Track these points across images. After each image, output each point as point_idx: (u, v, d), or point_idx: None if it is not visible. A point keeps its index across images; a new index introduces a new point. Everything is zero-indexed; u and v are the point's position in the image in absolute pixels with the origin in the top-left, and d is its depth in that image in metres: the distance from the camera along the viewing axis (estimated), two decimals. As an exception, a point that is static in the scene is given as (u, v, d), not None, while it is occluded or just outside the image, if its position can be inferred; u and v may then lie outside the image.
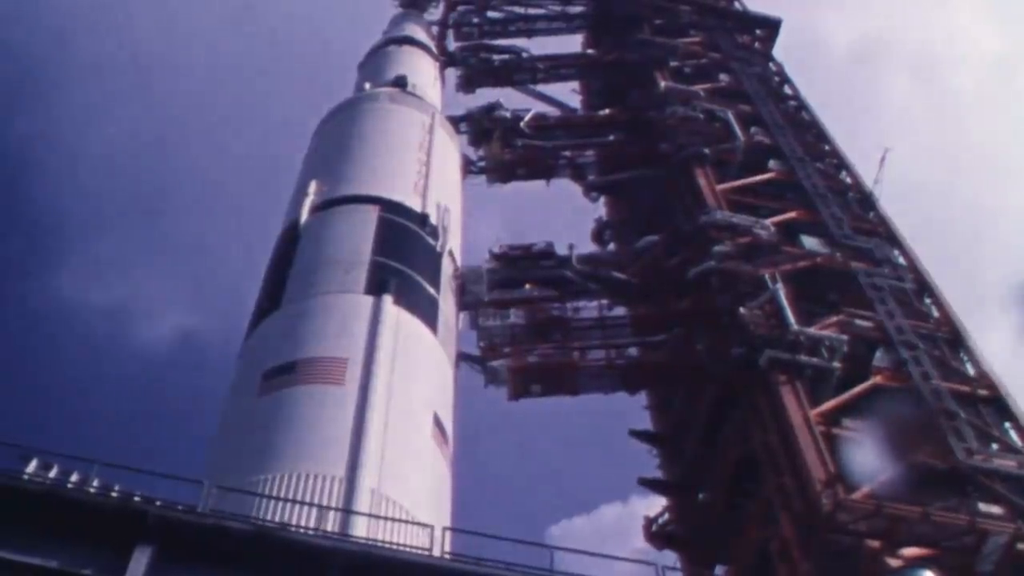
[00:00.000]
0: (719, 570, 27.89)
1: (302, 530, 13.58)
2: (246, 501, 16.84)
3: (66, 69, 71.59)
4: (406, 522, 15.20)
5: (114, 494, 12.34)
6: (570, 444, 51.04)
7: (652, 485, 30.49)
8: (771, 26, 42.87)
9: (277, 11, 68.66)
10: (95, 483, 12.36)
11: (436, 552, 11.21)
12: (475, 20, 42.32)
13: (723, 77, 38.86)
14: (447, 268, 26.88)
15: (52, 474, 12.46)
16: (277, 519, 16.09)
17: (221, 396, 23.34)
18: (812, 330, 25.99)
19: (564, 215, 41.19)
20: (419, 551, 11.35)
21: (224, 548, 11.73)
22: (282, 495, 18.05)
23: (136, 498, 12.06)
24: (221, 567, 11.53)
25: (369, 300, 23.57)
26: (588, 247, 33.75)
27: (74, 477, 12.47)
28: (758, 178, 32.85)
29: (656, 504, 30.11)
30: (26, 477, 12.07)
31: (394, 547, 12.15)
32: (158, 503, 11.97)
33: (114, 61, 71.07)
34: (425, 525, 11.99)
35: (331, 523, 17.09)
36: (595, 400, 28.34)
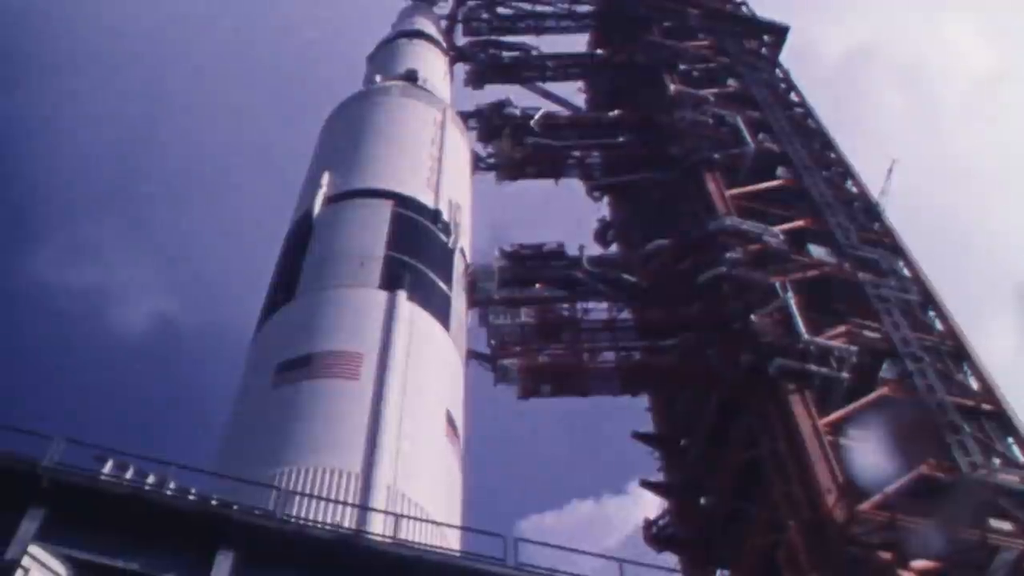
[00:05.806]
0: (720, 574, 28.08)
1: (370, 536, 13.45)
2: (260, 493, 16.79)
3: (48, 53, 70.79)
4: (469, 529, 15.14)
5: (191, 497, 12.21)
6: (544, 439, 51.08)
7: (654, 488, 30.61)
8: (778, 32, 42.88)
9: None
10: (172, 485, 12.22)
11: (510, 562, 11.17)
12: (484, 16, 42.23)
13: (731, 82, 38.85)
14: (458, 265, 26.83)
15: (128, 475, 12.29)
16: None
17: (195, 382, 23.30)
18: (822, 340, 26.10)
19: (557, 213, 41.32)
20: (494, 561, 11.30)
21: (302, 553, 11.66)
22: (298, 489, 18.02)
23: (213, 501, 11.96)
24: (298, 572, 11.44)
25: (384, 295, 23.48)
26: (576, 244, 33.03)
27: (150, 479, 12.32)
28: (767, 185, 32.90)
29: (622, 503, 30.08)
30: (104, 478, 11.92)
31: (473, 556, 12.08)
32: (235, 507, 11.87)
33: (97, 46, 70.51)
34: (496, 535, 11.95)
35: (347, 519, 17.19)
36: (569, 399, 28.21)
